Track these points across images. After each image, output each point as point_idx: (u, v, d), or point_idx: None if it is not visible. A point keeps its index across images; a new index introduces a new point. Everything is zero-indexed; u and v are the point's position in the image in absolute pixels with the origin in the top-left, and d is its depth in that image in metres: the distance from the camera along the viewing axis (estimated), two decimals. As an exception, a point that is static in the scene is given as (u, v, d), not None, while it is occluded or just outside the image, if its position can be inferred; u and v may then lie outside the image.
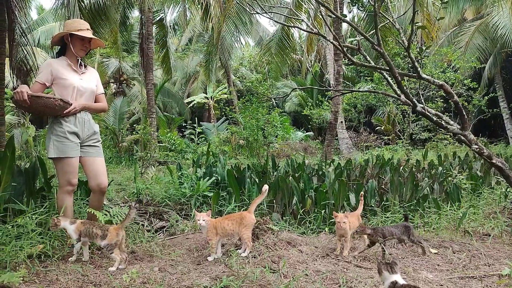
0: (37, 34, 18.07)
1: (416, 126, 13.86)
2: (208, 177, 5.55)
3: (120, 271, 2.76)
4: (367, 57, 5.79)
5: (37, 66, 6.95)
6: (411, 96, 5.35)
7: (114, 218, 3.70)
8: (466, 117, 5.46)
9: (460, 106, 5.31)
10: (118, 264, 2.84)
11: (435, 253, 3.41)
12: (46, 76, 3.18)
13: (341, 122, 14.01)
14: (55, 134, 3.15)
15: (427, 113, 5.36)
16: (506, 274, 2.77)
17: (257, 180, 5.33)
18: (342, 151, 13.70)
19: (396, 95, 5.80)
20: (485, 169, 7.34)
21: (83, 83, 3.34)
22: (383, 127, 16.14)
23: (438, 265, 3.11)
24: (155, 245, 3.52)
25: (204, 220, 3.15)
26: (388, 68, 5.20)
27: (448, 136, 11.71)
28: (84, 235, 2.89)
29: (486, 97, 13.11)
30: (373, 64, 5.71)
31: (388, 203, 4.95)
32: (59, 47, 3.44)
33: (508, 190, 5.67)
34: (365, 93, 12.49)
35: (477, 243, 3.68)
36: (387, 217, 4.54)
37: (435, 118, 5.39)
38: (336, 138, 14.00)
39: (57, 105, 3.04)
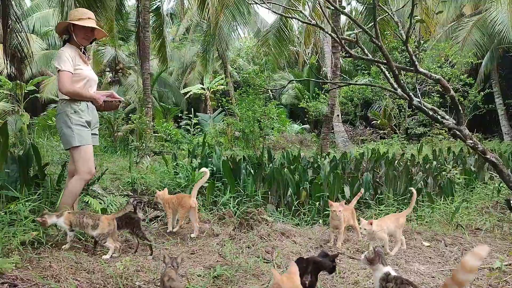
0: (32, 20, 17.82)
1: (412, 120, 13.90)
2: (203, 168, 5.53)
3: (114, 259, 2.76)
4: (365, 50, 5.78)
5: (32, 53, 6.85)
6: (407, 90, 5.36)
7: (108, 207, 3.69)
8: (461, 112, 5.47)
9: (456, 101, 5.32)
10: (112, 253, 2.84)
11: (427, 246, 3.44)
12: (70, 65, 3.16)
13: (338, 115, 14.01)
14: (75, 124, 3.19)
15: (423, 107, 5.37)
16: (497, 267, 2.81)
17: (252, 171, 5.32)
18: (338, 144, 13.72)
19: (392, 89, 5.79)
20: (479, 164, 7.39)
21: (92, 73, 3.41)
22: (379, 121, 16.17)
23: (430, 257, 3.14)
24: (149, 234, 3.52)
25: (158, 195, 3.80)
26: (385, 61, 5.20)
27: (443, 131, 11.77)
28: (75, 225, 2.87)
29: (482, 93, 13.16)
30: (370, 57, 5.71)
31: (382, 196, 4.98)
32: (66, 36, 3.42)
33: (501, 185, 5.72)
34: (362, 86, 12.49)
35: (469, 237, 3.72)
36: (381, 210, 4.57)
37: (431, 113, 5.40)
38: (332, 131, 14.01)
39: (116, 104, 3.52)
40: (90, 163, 3.26)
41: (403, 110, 12.99)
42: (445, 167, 6.57)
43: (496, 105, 15.14)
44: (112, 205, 3.77)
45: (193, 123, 15.01)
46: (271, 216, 4.20)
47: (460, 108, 5.39)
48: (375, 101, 15.49)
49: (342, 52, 11.44)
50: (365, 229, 2.93)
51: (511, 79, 15.72)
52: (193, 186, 4.99)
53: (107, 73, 19.18)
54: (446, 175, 6.06)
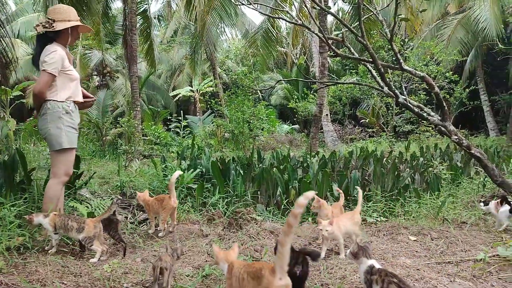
0: (17, 25, 17.58)
1: (399, 118, 14.06)
2: (192, 169, 5.53)
3: (101, 263, 2.74)
4: (351, 49, 5.85)
5: (17, 58, 6.77)
6: (393, 88, 5.43)
7: (96, 210, 3.66)
8: (446, 108, 5.57)
9: (441, 98, 5.42)
10: (99, 256, 2.82)
11: (414, 240, 3.49)
12: (59, 69, 3.07)
13: (326, 114, 14.10)
14: (67, 126, 3.15)
15: (409, 104, 5.45)
16: (481, 259, 2.86)
17: (241, 172, 5.33)
18: (327, 143, 13.81)
19: (379, 87, 5.88)
20: (465, 160, 7.53)
21: (77, 73, 3.36)
22: (368, 120, 16.32)
23: (416, 251, 3.19)
24: (138, 236, 3.51)
25: (139, 196, 3.80)
26: (371, 60, 5.27)
27: (430, 129, 11.92)
28: (59, 227, 2.85)
29: (467, 90, 13.38)
30: (357, 56, 5.77)
31: (370, 193, 5.04)
32: (38, 33, 3.28)
33: (486, 180, 5.84)
34: (350, 85, 12.60)
35: (455, 231, 3.78)
36: (369, 207, 4.63)
37: (416, 110, 5.48)
38: (321, 131, 14.09)
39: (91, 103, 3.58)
40: (71, 165, 3.25)
41: (391, 108, 13.13)
42: (432, 163, 6.66)
43: (481, 101, 15.41)
44: (99, 209, 3.74)
45: (182, 125, 14.96)
46: (260, 215, 4.21)
47: (444, 104, 5.48)
48: (363, 100, 15.64)
49: (329, 52, 11.54)
50: (326, 230, 2.88)
51: (495, 76, 16.01)
52: (183, 187, 5.06)
53: (95, 77, 19.02)
54: (433, 171, 6.15)
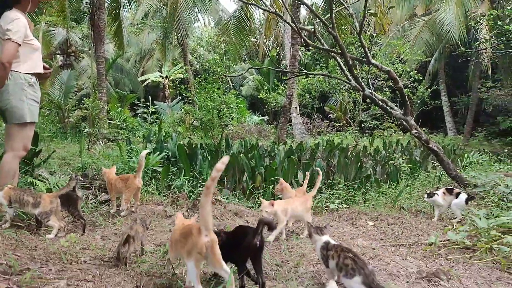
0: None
1: (365, 114, 14.49)
2: (158, 153, 5.44)
3: (59, 239, 2.66)
4: (322, 41, 5.93)
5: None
6: (360, 80, 5.59)
7: (54, 188, 3.54)
8: (408, 103, 5.82)
9: (404, 93, 5.65)
10: (56, 232, 2.74)
11: (372, 225, 3.65)
12: (22, 37, 2.85)
13: (296, 107, 14.28)
14: (30, 99, 2.98)
15: (374, 97, 5.65)
16: (432, 242, 3.04)
17: (209, 157, 5.32)
18: (295, 135, 14.01)
19: (347, 80, 6.03)
20: (423, 155, 7.89)
21: (38, 42, 3.16)
22: (335, 114, 16.69)
23: (373, 235, 3.33)
24: (99, 215, 3.43)
25: (104, 172, 3.71)
26: (341, 52, 5.39)
27: (394, 125, 12.38)
28: (14, 201, 2.74)
29: (429, 90, 13.98)
30: (327, 47, 5.88)
31: (334, 181, 5.18)
32: None
33: (441, 173, 6.17)
34: (319, 79, 12.80)
35: (410, 218, 3.98)
36: (332, 194, 4.77)
37: (381, 103, 5.69)
38: (290, 123, 14.27)
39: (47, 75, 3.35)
40: (29, 140, 3.10)
41: (358, 104, 13.50)
42: (393, 157, 6.95)
43: (442, 102, 16.15)
44: (57, 186, 3.61)
45: (150, 111, 14.63)
46: (226, 199, 4.24)
47: (407, 99, 5.73)
48: (332, 95, 15.96)
49: (301, 42, 11.66)
50: (266, 210, 2.89)
51: (456, 78, 16.83)
52: (148, 170, 4.98)
53: (58, 56, 18.15)
54: (393, 164, 6.41)
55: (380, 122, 13.24)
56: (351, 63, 5.49)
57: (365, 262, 1.93)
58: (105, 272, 2.08)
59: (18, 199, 2.72)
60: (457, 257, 2.81)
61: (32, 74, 3.06)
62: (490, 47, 8.56)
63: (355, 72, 6.04)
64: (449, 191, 4.04)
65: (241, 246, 1.91)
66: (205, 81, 10.23)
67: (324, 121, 17.02)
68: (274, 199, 4.44)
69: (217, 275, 1.98)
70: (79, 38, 17.58)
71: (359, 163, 5.88)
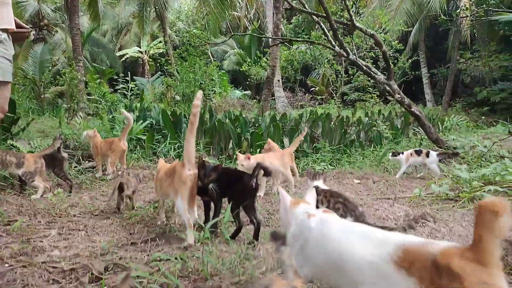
0: None
1: (347, 87, 14.56)
2: (142, 121, 5.35)
3: (45, 199, 2.61)
4: (306, 5, 5.83)
5: None
6: (345, 45, 5.57)
7: (36, 149, 3.44)
8: (391, 68, 5.86)
9: (387, 57, 5.68)
10: (42, 192, 2.68)
11: (358, 182, 3.73)
12: None
13: (278, 80, 14.19)
14: (1, 56, 2.81)
15: (358, 62, 5.66)
16: (417, 195, 3.14)
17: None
18: (278, 109, 13.99)
19: (331, 46, 6.00)
20: (404, 124, 8.05)
21: None
22: (317, 88, 16.71)
23: (360, 191, 3.41)
24: (85, 178, 3.37)
25: (87, 134, 3.67)
26: (325, 15, 5.33)
27: (375, 96, 12.52)
28: None
29: (410, 60, 14.11)
30: (309, 10, 5.80)
31: (319, 145, 5.24)
32: None
33: (423, 138, 6.32)
34: (301, 51, 12.71)
35: (393, 176, 4.08)
36: (317, 158, 4.82)
37: (364, 68, 5.71)
38: (273, 98, 14.21)
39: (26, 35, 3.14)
40: (6, 101, 2.95)
41: (340, 76, 13.52)
42: (376, 123, 7.05)
43: (422, 74, 16.36)
44: (40, 148, 3.51)
45: (130, 87, 14.25)
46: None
47: (390, 64, 5.77)
48: (315, 68, 15.91)
49: (284, 13, 11.53)
50: (242, 164, 2.90)
51: (435, 50, 17.00)
52: (133, 138, 4.89)
53: (30, 29, 17.29)
54: (376, 129, 6.51)
55: (362, 93, 13.34)
56: (335, 26, 5.46)
57: (355, 205, 1.97)
58: (96, 223, 2.06)
59: (1, 160, 2.63)
60: (441, 206, 2.91)
61: (3, 30, 2.89)
62: (470, 15, 8.64)
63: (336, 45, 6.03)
64: (417, 152, 4.20)
65: (237, 187, 1.94)
66: (186, 52, 9.99)
67: (307, 94, 17.03)
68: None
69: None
70: (52, 10, 16.76)
71: (343, 129, 5.95)
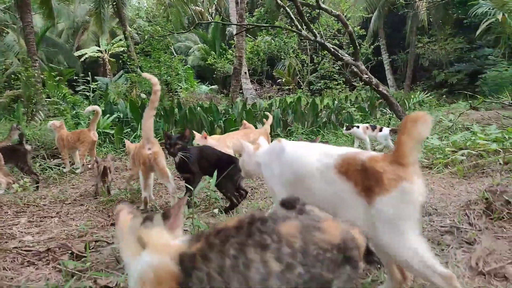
0: None
1: (313, 76, 14.71)
2: (108, 115, 5.12)
3: (9, 193, 2.41)
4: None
5: None
6: (311, 27, 5.57)
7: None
8: (358, 49, 5.94)
9: (354, 38, 5.74)
10: (4, 187, 2.47)
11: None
12: None
13: (245, 72, 14.09)
14: None
15: (326, 44, 5.69)
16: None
17: (163, 113, 5.10)
18: (247, 100, 13.92)
19: (297, 30, 5.99)
20: (371, 106, 8.25)
21: None
22: (284, 79, 16.77)
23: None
24: (53, 174, 3.17)
25: (52, 124, 3.53)
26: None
27: (341, 83, 12.74)
28: None
29: (372, 47, 14.46)
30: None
31: (292, 128, 5.23)
32: None
33: (390, 118, 6.48)
34: (267, 41, 12.70)
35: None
36: (291, 139, 4.81)
37: (332, 50, 5.75)
38: (241, 91, 14.12)
39: None
40: None
41: (306, 65, 13.63)
42: (345, 106, 7.16)
43: (383, 60, 16.83)
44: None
45: (92, 88, 13.67)
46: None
47: (356, 45, 5.84)
48: (281, 59, 15.96)
49: (246, 6, 11.41)
50: (198, 144, 2.94)
51: (394, 37, 17.52)
52: (100, 132, 4.67)
53: (-23, 32, 16.20)
54: (347, 111, 6.61)
55: (328, 81, 13.53)
56: (301, 9, 5.45)
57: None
58: (70, 210, 1.92)
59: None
60: (418, 174, 2.97)
61: None
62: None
63: (303, 29, 6.03)
64: (372, 127, 4.38)
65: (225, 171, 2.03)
66: (150, 47, 9.70)
67: (274, 86, 17.07)
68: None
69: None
70: (1, 10, 15.76)
71: (315, 112, 5.99)
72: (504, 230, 1.56)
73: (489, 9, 6.86)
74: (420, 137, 1.11)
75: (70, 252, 1.28)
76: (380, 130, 4.32)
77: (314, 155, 1.31)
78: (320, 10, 7.02)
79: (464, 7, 12.05)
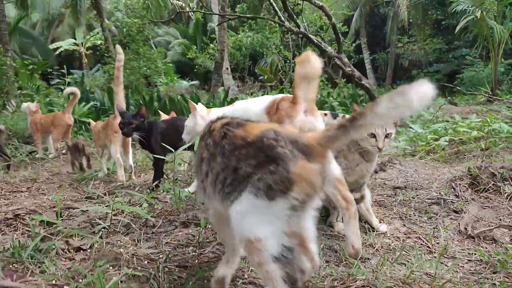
0: None
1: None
2: (85, 103, 4.95)
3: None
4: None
5: None
6: (295, 17, 5.55)
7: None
8: (341, 41, 5.96)
9: (337, 30, 5.75)
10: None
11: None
12: None
13: (227, 68, 13.98)
14: None
15: (309, 35, 5.67)
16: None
17: (142, 102, 4.96)
18: (229, 96, 13.82)
19: (280, 21, 5.96)
20: (353, 102, 8.34)
21: None
22: (266, 76, 16.74)
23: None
24: (25, 158, 3.01)
25: (27, 108, 3.42)
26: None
27: (324, 79, 12.81)
28: None
29: (354, 44, 14.63)
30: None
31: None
32: None
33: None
34: (249, 36, 12.63)
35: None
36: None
37: (316, 41, 5.75)
38: (223, 87, 14.00)
39: None
40: None
41: (288, 62, 13.64)
42: (327, 99, 7.18)
43: (364, 58, 17.07)
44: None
45: (67, 82, 13.25)
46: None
47: (340, 37, 5.85)
48: (263, 55, 15.93)
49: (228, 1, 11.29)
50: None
51: (375, 36, 17.80)
52: (76, 121, 4.49)
53: None
54: (330, 104, 6.64)
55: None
56: (285, -1, 5.42)
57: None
58: (41, 186, 1.81)
59: None
60: (402, 159, 2.98)
61: None
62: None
63: (286, 23, 6.00)
64: (333, 116, 4.46)
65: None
66: (129, 37, 9.47)
67: (256, 83, 17.01)
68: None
69: None
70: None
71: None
72: (490, 200, 1.56)
73: (467, 7, 7.05)
74: (308, 75, 1.35)
75: (40, 220, 1.18)
76: (335, 117, 4.37)
77: (254, 104, 1.71)
78: (303, 3, 6.99)
79: (443, 8, 12.34)
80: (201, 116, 1.87)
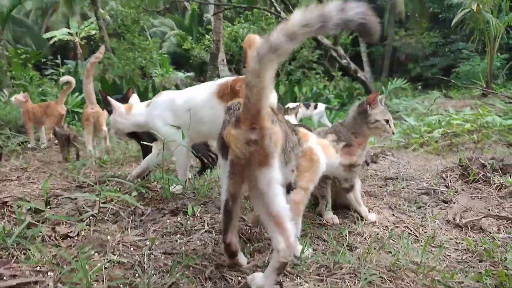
0: None
1: (292, 66, 14.69)
2: (78, 93, 4.91)
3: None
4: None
5: None
6: (291, 8, 5.51)
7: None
8: (338, 33, 5.94)
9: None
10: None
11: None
12: None
13: (223, 60, 13.90)
14: None
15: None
16: (372, 142, 3.19)
17: (135, 92, 4.93)
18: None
19: (276, 12, 5.93)
20: (349, 97, 8.35)
21: None
22: (262, 68, 16.68)
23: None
24: (17, 147, 2.98)
25: (16, 100, 3.34)
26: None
27: (320, 71, 12.79)
28: None
29: (350, 37, 14.58)
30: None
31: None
32: None
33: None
34: (245, 28, 12.53)
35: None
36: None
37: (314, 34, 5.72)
38: (218, 78, 13.93)
39: None
40: None
41: (284, 55, 13.55)
42: (323, 92, 7.18)
43: (361, 52, 17.03)
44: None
45: (61, 72, 13.11)
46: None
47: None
48: (258, 47, 15.86)
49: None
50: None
51: (371, 29, 17.75)
52: (69, 111, 4.45)
53: None
54: (326, 96, 6.64)
55: (306, 70, 13.53)
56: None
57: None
58: (31, 176, 1.80)
59: None
60: (395, 152, 2.99)
61: None
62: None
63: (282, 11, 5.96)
64: (306, 106, 4.53)
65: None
66: (124, 27, 9.37)
67: (252, 75, 16.95)
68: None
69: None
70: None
71: (292, 99, 5.97)
72: (480, 191, 1.57)
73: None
74: (249, 62, 1.38)
75: (28, 208, 1.18)
76: (315, 107, 4.47)
77: (199, 92, 1.73)
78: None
79: (440, 1, 12.30)
80: (120, 114, 1.84)
